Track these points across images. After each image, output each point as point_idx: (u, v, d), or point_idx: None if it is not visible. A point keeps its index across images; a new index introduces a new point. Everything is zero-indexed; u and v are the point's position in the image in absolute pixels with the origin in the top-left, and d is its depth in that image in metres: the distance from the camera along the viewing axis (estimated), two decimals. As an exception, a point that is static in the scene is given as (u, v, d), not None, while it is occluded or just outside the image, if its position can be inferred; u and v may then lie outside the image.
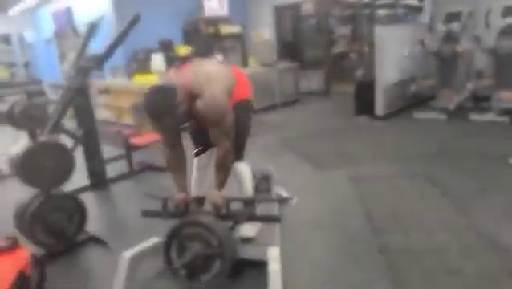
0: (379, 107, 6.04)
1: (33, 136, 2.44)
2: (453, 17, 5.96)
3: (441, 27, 5.96)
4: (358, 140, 5.14)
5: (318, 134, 5.46)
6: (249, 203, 2.34)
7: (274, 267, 1.96)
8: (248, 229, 2.34)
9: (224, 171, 2.09)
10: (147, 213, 2.34)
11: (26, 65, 14.56)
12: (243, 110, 2.23)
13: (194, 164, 2.59)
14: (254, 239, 2.33)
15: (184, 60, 6.98)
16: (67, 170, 2.56)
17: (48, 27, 10.55)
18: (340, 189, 3.44)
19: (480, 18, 5.78)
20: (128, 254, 2.19)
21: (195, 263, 2.03)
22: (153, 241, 2.34)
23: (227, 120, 2.03)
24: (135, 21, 3.54)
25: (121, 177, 4.19)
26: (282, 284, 1.92)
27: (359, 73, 7.71)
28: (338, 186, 3.53)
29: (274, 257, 2.07)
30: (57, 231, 2.57)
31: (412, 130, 5.41)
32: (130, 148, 4.27)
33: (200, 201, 2.42)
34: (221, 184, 2.10)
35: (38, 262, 2.14)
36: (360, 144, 4.90)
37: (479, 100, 5.86)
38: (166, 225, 2.32)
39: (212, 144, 2.40)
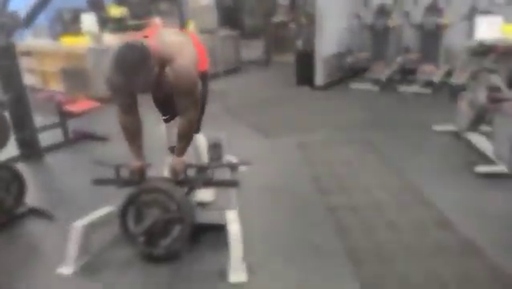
0: (319, 78, 6.26)
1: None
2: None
3: (375, 2, 6.24)
4: (301, 109, 5.32)
5: (262, 103, 5.54)
6: (204, 169, 2.37)
7: (234, 228, 2.03)
8: (204, 194, 2.37)
9: (186, 140, 2.07)
10: (99, 182, 2.25)
11: None
12: (204, 81, 2.19)
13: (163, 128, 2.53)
14: (211, 204, 2.37)
15: (119, 22, 6.55)
16: (1, 137, 2.34)
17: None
18: (288, 156, 3.58)
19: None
20: (81, 222, 2.11)
21: (154, 229, 2.03)
22: (105, 210, 2.28)
23: (196, 91, 1.98)
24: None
25: (56, 147, 3.91)
26: (242, 244, 1.99)
27: (298, 44, 7.88)
28: (286, 153, 3.66)
29: (232, 219, 2.14)
30: (-6, 204, 2.37)
31: (349, 100, 5.73)
32: (64, 116, 3.98)
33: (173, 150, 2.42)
34: (181, 151, 2.08)
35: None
36: (303, 113, 5.08)
37: (406, 73, 6.34)
38: (110, 195, 2.29)
39: (173, 112, 2.37)
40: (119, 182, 2.19)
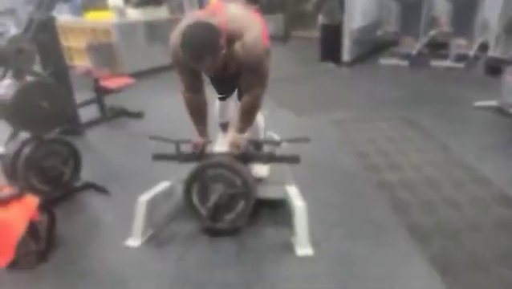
0: (346, 53, 6.13)
1: (19, 75, 2.16)
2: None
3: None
4: (328, 86, 5.25)
5: (287, 81, 5.45)
6: (261, 145, 2.36)
7: (299, 203, 2.03)
8: (260, 170, 2.36)
9: (250, 117, 2.05)
10: (158, 157, 2.25)
11: None
12: (267, 56, 2.15)
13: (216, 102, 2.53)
14: (266, 179, 2.36)
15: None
16: (61, 112, 2.33)
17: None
18: (326, 133, 3.55)
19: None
20: (145, 197, 2.13)
21: (219, 204, 2.04)
22: (164, 185, 2.29)
23: (264, 66, 1.93)
24: None
25: (94, 123, 3.93)
26: (307, 218, 2.01)
27: (320, 18, 7.68)
28: (322, 130, 3.63)
29: (295, 194, 2.15)
30: (53, 177, 2.40)
31: (378, 76, 5.63)
32: (101, 92, 3.97)
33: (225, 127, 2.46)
34: (243, 129, 2.06)
35: (47, 209, 2.01)
36: (332, 90, 5.02)
37: (438, 47, 6.18)
38: (159, 172, 2.32)
39: (231, 91, 2.36)
40: (180, 157, 2.19)
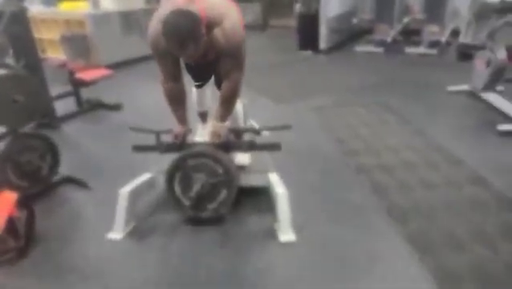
0: (323, 41, 6.18)
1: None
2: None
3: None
4: (307, 73, 5.29)
5: (266, 69, 5.46)
6: (241, 134, 2.38)
7: (281, 190, 2.06)
8: (242, 158, 2.38)
9: (231, 104, 2.06)
10: (138, 148, 2.24)
11: None
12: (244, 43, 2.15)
13: (193, 91, 2.53)
14: (248, 167, 2.39)
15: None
16: (36, 106, 2.27)
17: None
18: (305, 120, 3.60)
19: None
20: (126, 189, 2.12)
21: (201, 193, 2.05)
22: (146, 176, 2.28)
23: (242, 52, 1.96)
24: None
25: (71, 116, 3.84)
26: (289, 205, 2.04)
27: (297, 6, 7.69)
28: (302, 117, 3.67)
29: (276, 181, 2.18)
30: (30, 172, 2.34)
31: (355, 63, 5.71)
32: (77, 84, 3.88)
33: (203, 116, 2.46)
34: (224, 117, 2.07)
35: (25, 205, 1.97)
36: (310, 78, 5.06)
37: (411, 34, 6.30)
38: (139, 163, 2.32)
39: (208, 78, 2.36)
40: (161, 148, 2.18)
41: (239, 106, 2.40)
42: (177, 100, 2.10)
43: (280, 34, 8.11)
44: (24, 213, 1.97)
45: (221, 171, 2.05)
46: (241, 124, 2.47)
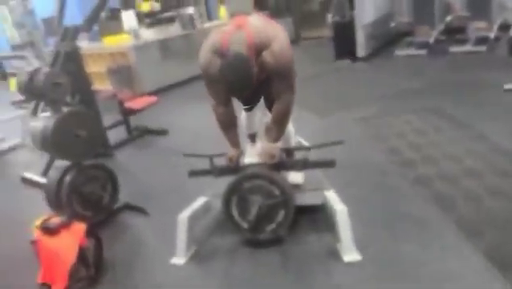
0: (361, 48, 6.07)
1: (55, 107, 2.22)
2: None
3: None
4: (347, 83, 5.21)
5: (305, 81, 5.36)
6: (292, 152, 2.35)
7: (341, 208, 2.00)
8: (295, 177, 2.34)
9: (283, 124, 2.06)
10: (194, 173, 2.27)
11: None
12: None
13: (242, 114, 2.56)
14: (302, 186, 2.34)
15: (152, 16, 6.53)
16: (96, 138, 2.39)
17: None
18: (351, 131, 3.51)
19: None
20: (185, 214, 2.15)
21: (259, 215, 2.03)
22: (202, 200, 2.31)
23: (292, 72, 1.97)
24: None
25: (122, 144, 4.01)
26: (350, 223, 1.98)
27: (329, 16, 7.64)
28: (347, 129, 3.59)
29: (335, 198, 2.12)
30: (93, 202, 2.45)
31: (397, 68, 5.54)
32: (127, 113, 4.05)
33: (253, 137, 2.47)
34: (277, 138, 2.07)
35: (93, 234, 2.05)
36: (350, 88, 4.97)
37: (455, 32, 6.05)
38: (191, 187, 2.34)
39: (256, 102, 2.36)
40: (216, 172, 2.20)
41: (290, 125, 2.38)
42: (229, 124, 2.13)
43: (314, 46, 8.09)
44: (92, 242, 2.04)
45: (277, 192, 2.03)
46: (292, 143, 2.44)
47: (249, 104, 2.43)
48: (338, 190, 2.21)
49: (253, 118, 2.56)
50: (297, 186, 2.32)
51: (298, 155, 2.37)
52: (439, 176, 2.56)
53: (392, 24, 6.14)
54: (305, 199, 2.24)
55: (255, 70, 1.80)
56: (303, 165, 2.15)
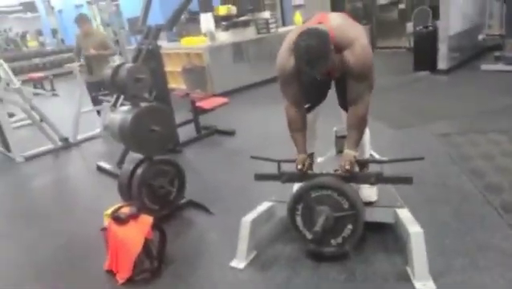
0: (442, 60, 5.68)
1: (135, 101, 2.33)
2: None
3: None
4: (426, 96, 4.88)
5: (382, 91, 5.10)
6: (367, 164, 2.21)
7: (416, 229, 1.85)
8: (370, 193, 2.19)
9: (361, 128, 1.96)
10: (261, 177, 2.24)
11: (54, 33, 14.49)
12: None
13: None
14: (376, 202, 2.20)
15: (229, 19, 6.67)
16: (169, 134, 2.47)
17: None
18: (430, 148, 3.26)
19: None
20: (249, 218, 2.13)
21: (325, 227, 1.94)
22: (266, 205, 2.27)
23: (372, 74, 1.90)
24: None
25: (191, 141, 4.13)
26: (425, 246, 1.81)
27: (411, 25, 7.27)
28: (426, 145, 3.35)
29: (409, 218, 1.96)
30: (161, 196, 2.53)
31: (482, 83, 5.09)
32: (198, 112, 4.17)
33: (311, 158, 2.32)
34: (356, 143, 1.96)
35: (158, 228, 2.10)
36: (430, 100, 4.64)
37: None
38: (256, 189, 2.27)
39: (319, 101, 2.27)
40: (283, 177, 2.15)
41: (366, 135, 2.25)
42: (299, 126, 2.07)
43: (390, 55, 7.76)
44: (157, 235, 2.09)
45: (346, 205, 1.93)
46: (367, 154, 2.31)
47: (311, 102, 2.31)
48: (412, 210, 2.05)
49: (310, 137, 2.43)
50: (370, 204, 2.18)
51: (372, 169, 2.24)
52: (532, 206, 2.26)
53: (480, 37, 5.64)
54: (376, 215, 2.11)
55: (333, 56, 1.75)
56: (377, 179, 2.01)
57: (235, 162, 3.52)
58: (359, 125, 1.94)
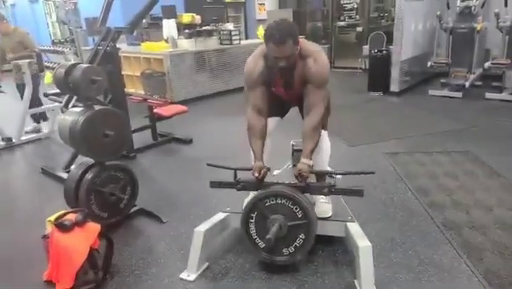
0: (395, 83, 6.01)
1: (88, 103, 2.23)
2: (470, -6, 5.86)
3: (459, 4, 5.85)
4: (379, 116, 5.12)
5: (337, 109, 5.27)
6: (323, 176, 2.24)
7: (365, 243, 1.90)
8: (325, 208, 2.23)
9: (316, 138, 2.01)
10: (216, 184, 2.21)
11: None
12: None
13: None
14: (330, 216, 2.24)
15: (192, 28, 6.65)
16: (123, 140, 2.38)
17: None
18: (381, 166, 3.41)
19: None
20: (202, 228, 2.09)
21: (278, 236, 1.94)
22: (221, 215, 2.24)
23: (327, 85, 2.03)
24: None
25: (146, 148, 4.02)
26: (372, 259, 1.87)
27: (365, 48, 7.63)
28: (377, 162, 3.50)
29: (358, 232, 2.02)
30: (111, 204, 2.42)
31: (429, 107, 5.43)
32: (155, 119, 4.07)
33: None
34: (311, 152, 2.00)
35: (106, 237, 2.00)
36: (383, 121, 4.87)
37: (492, 79, 5.91)
38: (211, 201, 2.23)
39: (283, 114, 2.34)
40: (239, 185, 2.13)
41: (327, 146, 2.31)
42: (258, 134, 2.08)
43: (347, 75, 8.07)
44: (104, 244, 2.00)
45: (300, 214, 1.95)
46: (326, 167, 2.35)
47: (274, 115, 2.35)
48: (362, 225, 2.12)
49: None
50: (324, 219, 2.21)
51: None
52: (468, 223, 2.42)
53: (429, 63, 6.04)
54: (327, 229, 2.15)
55: (298, 44, 1.91)
56: (330, 191, 2.05)
57: (191, 171, 3.46)
58: (313, 135, 2.00)
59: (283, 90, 2.12)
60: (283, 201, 1.97)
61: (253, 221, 2.03)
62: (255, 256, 2.09)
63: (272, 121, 2.26)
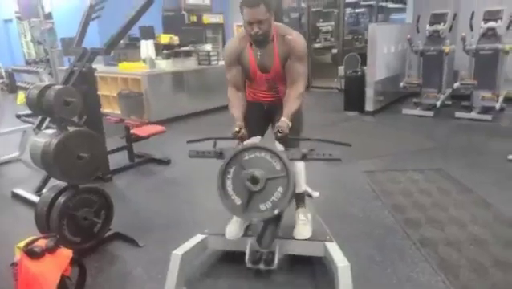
0: (370, 103, 6.17)
1: (62, 125, 2.19)
2: (438, 18, 6.16)
3: (428, 28, 6.13)
4: (355, 135, 5.21)
5: (315, 127, 5.38)
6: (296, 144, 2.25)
7: (344, 264, 1.91)
8: (303, 230, 2.22)
9: (298, 102, 2.15)
10: (194, 154, 2.20)
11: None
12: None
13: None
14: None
15: (170, 48, 6.67)
16: (98, 162, 2.33)
17: (7, 6, 9.70)
18: (357, 183, 3.46)
19: (463, 21, 6.01)
20: (179, 251, 2.05)
21: (255, 191, 1.89)
22: (199, 238, 2.21)
23: (306, 60, 2.17)
24: (148, 3, 3.33)
25: (123, 169, 3.94)
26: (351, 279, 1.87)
27: (342, 68, 7.85)
28: (353, 180, 3.55)
29: (337, 252, 2.02)
30: (84, 228, 2.34)
31: (403, 126, 5.58)
32: (132, 139, 4.02)
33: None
34: (292, 113, 2.09)
35: (78, 263, 1.93)
36: (359, 139, 4.94)
37: (461, 99, 6.16)
38: (189, 223, 2.17)
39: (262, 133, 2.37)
40: (217, 153, 2.06)
41: (302, 170, 2.33)
42: (237, 104, 2.19)
43: (324, 95, 8.24)
44: (76, 271, 1.92)
45: (278, 167, 1.91)
46: (303, 185, 2.36)
47: (256, 134, 2.35)
48: (340, 242, 2.13)
49: None
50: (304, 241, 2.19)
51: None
52: (443, 240, 2.47)
53: (402, 84, 6.24)
54: (307, 249, 2.15)
55: (272, 14, 2.01)
56: (309, 154, 2.03)
57: (169, 192, 3.41)
58: (297, 101, 2.13)
59: (260, 72, 2.18)
60: (262, 153, 1.94)
61: (230, 176, 1.97)
62: (234, 282, 2.04)
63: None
